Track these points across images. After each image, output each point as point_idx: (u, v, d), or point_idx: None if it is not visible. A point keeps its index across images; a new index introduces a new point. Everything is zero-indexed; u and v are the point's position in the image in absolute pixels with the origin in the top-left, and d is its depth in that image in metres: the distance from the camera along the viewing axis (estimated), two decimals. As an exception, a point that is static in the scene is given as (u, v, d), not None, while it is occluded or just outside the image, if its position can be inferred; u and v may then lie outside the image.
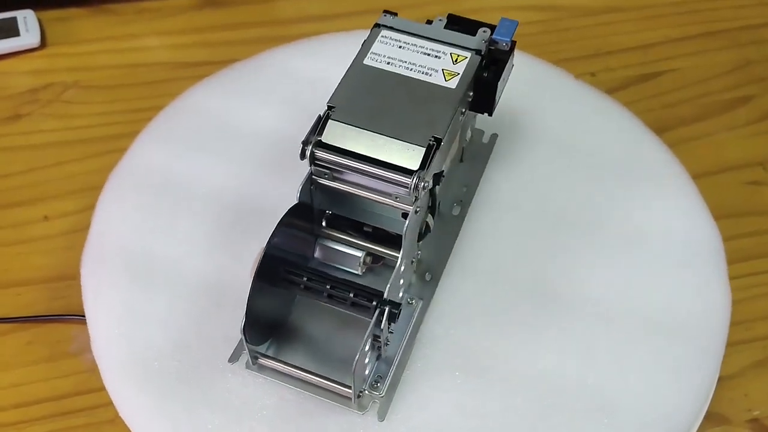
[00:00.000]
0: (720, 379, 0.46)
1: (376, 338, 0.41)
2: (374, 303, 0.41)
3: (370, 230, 0.46)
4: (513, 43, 0.46)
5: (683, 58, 0.69)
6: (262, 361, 0.43)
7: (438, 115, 0.43)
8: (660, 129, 0.58)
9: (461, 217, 0.51)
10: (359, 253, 0.46)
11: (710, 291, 0.47)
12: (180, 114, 0.57)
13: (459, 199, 0.51)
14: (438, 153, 0.42)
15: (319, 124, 0.42)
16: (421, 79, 0.44)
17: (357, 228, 0.46)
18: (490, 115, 0.48)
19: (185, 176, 0.52)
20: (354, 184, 0.43)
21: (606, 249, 0.49)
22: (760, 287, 0.54)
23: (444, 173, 0.44)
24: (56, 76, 0.66)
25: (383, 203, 0.42)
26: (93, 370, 0.45)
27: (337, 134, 0.42)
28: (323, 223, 0.46)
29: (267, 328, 0.44)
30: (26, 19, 0.69)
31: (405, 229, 0.41)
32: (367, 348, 0.40)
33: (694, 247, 0.49)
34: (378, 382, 0.43)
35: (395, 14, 0.48)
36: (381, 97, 0.44)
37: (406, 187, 0.40)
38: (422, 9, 0.47)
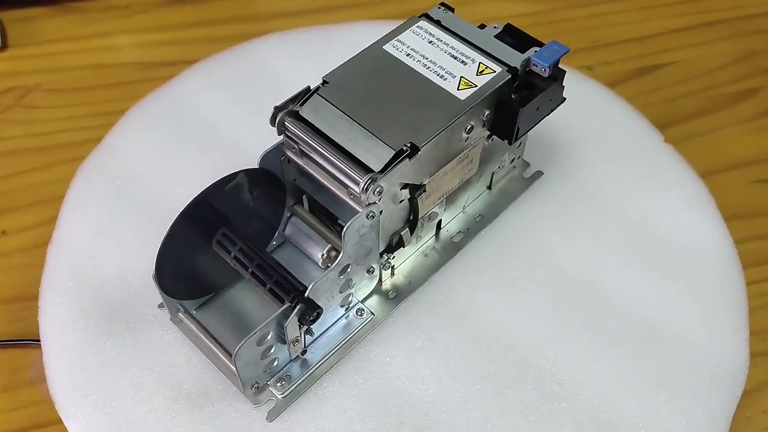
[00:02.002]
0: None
1: (282, 332, 0.39)
2: (291, 296, 0.39)
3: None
4: (559, 72, 0.42)
5: (683, 49, 0.66)
6: (182, 316, 0.43)
7: (427, 123, 0.39)
8: (662, 125, 0.55)
9: (459, 246, 0.47)
10: (323, 245, 0.43)
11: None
12: (232, 60, 0.58)
13: (467, 227, 0.47)
14: (411, 162, 0.38)
15: (304, 96, 0.40)
16: (432, 80, 0.41)
17: (333, 219, 0.43)
18: (510, 143, 0.44)
19: (209, 119, 0.53)
20: (317, 166, 0.40)
21: (600, 337, 0.44)
22: (777, 293, 0.50)
23: (425, 187, 0.41)
24: (18, 80, 0.62)
25: (340, 197, 0.40)
26: (50, 401, 0.41)
27: (316, 110, 0.39)
28: (304, 204, 0.44)
29: (194, 285, 0.43)
30: (-15, 19, 0.65)
31: (345, 229, 0.38)
32: (269, 337, 0.38)
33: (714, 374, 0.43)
34: (284, 381, 0.41)
35: (452, 10, 0.44)
36: (380, 86, 0.40)
37: (358, 186, 0.37)
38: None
